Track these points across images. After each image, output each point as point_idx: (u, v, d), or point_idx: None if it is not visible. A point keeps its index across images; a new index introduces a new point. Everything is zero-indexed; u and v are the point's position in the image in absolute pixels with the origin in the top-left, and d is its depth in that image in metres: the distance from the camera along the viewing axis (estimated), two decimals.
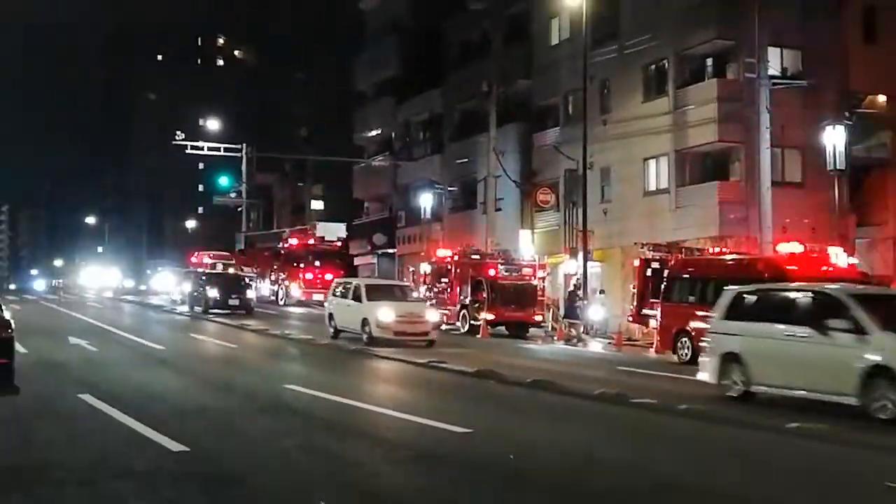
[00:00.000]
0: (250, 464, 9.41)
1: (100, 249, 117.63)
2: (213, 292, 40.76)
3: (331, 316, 28.21)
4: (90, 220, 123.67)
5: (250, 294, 43.55)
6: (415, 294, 30.72)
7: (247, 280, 45.41)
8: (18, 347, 16.20)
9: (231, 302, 40.23)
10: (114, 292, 71.02)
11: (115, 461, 9.22)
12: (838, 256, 24.24)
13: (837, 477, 9.93)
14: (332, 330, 27.67)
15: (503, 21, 46.48)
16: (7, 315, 15.70)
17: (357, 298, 26.48)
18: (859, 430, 12.25)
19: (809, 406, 13.99)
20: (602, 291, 33.71)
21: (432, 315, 27.30)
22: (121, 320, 36.92)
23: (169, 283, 57.19)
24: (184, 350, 24.98)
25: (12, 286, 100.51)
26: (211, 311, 39.50)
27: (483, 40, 48.59)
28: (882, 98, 35.48)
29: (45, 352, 21.20)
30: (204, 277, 43.88)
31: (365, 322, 25.21)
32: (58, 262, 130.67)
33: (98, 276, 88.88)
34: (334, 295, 28.88)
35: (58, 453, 9.69)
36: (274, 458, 9.78)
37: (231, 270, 48.40)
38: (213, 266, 52.26)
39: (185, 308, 43.92)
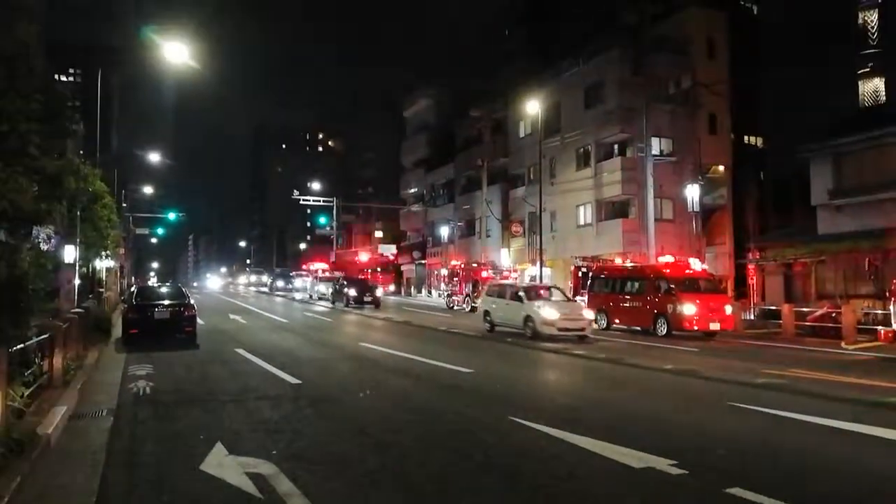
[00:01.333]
0: (339, 390, 9.48)
1: (248, 261, 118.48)
2: (352, 292, 34.07)
3: (486, 313, 20.83)
4: (242, 243, 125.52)
5: (378, 293, 36.32)
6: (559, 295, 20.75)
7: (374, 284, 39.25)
8: (199, 321, 16.35)
9: (366, 299, 33.47)
10: (255, 288, 71.16)
11: (256, 389, 9.33)
12: (695, 264, 24.10)
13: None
14: (488, 325, 20.46)
15: (491, 122, 46.55)
16: (192, 301, 15.92)
17: (518, 299, 19.23)
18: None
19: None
20: (557, 287, 33.58)
21: (588, 313, 19.42)
22: (264, 305, 36.91)
23: (301, 285, 53.57)
24: (302, 322, 24.36)
25: (195, 284, 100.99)
26: (349, 305, 33.23)
27: (479, 134, 48.66)
28: (721, 167, 35.36)
29: (215, 323, 21.35)
30: (345, 281, 36.59)
31: (528, 319, 18.20)
32: (223, 269, 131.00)
33: (246, 278, 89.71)
34: (489, 295, 21.60)
35: (222, 384, 9.83)
36: (352, 387, 9.85)
37: (361, 277, 43.10)
38: (318, 271, 52.12)
39: (327, 303, 36.95)
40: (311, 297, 42.72)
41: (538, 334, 17.62)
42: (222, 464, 5.54)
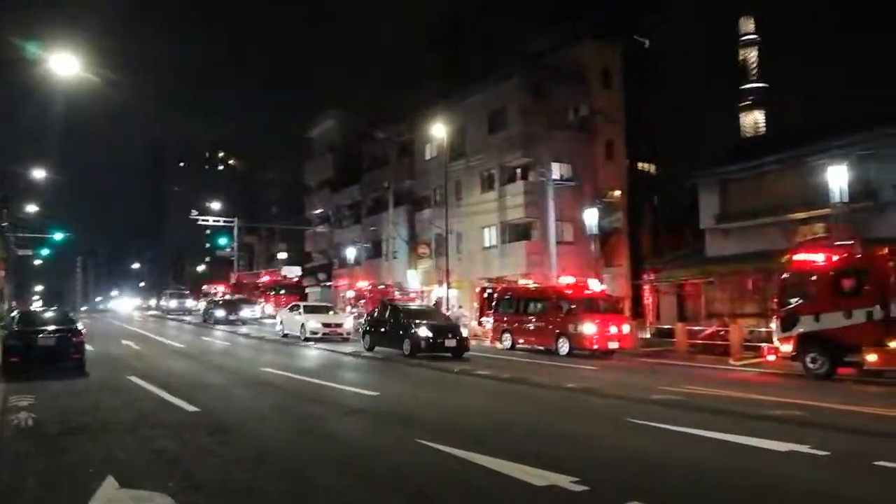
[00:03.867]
0: (240, 417, 9.18)
1: (141, 284, 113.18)
2: (220, 311, 37.19)
3: (292, 325, 25.96)
4: (136, 265, 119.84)
5: (248, 313, 39.52)
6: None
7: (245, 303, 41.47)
8: (88, 346, 15.47)
9: (231, 318, 36.19)
10: (142, 310, 69.32)
11: (151, 418, 8.88)
12: (594, 285, 24.90)
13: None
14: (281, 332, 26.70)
15: (397, 145, 46.66)
16: (80, 326, 15.05)
17: (299, 313, 25.85)
18: None
19: None
20: (460, 307, 33.82)
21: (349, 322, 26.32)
22: (152, 328, 35.22)
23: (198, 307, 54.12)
24: (199, 346, 23.56)
25: (83, 308, 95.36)
26: (219, 322, 35.61)
27: (385, 155, 48.64)
28: (617, 192, 36.82)
29: (105, 349, 20.23)
30: (217, 300, 41.36)
31: (302, 326, 24.62)
32: (114, 293, 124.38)
33: (134, 301, 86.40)
34: (290, 310, 27.28)
35: (113, 413, 9.29)
36: (252, 413, 9.56)
37: (236, 296, 44.64)
38: (220, 293, 51.60)
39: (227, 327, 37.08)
40: (205, 320, 39.77)
41: (308, 338, 23.69)
42: (113, 499, 5.24)
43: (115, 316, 55.61)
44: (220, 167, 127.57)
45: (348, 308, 38.54)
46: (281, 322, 27.26)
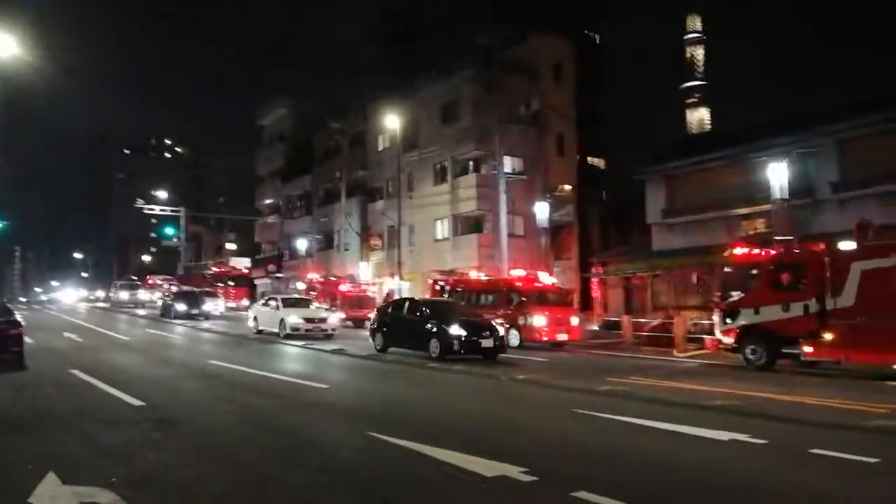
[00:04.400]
0: (185, 410, 9.02)
1: (84, 275, 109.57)
2: (181, 305, 32.53)
3: (255, 319, 24.33)
4: (78, 255, 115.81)
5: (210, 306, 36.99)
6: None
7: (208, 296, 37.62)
8: (27, 339, 14.97)
9: (194, 312, 32.15)
10: (89, 301, 65.80)
11: (94, 413, 8.64)
12: (545, 278, 25.18)
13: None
14: (254, 329, 24.06)
15: (349, 135, 46.28)
16: (19, 317, 14.55)
17: (276, 307, 23.35)
18: None
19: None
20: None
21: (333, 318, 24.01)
22: (98, 321, 34.17)
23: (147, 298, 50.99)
24: (144, 339, 22.83)
25: (23, 299, 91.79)
26: (179, 316, 31.64)
27: (337, 146, 48.16)
28: (567, 187, 37.26)
29: (46, 342, 19.58)
30: (178, 293, 36.67)
31: (282, 322, 22.10)
32: (55, 283, 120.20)
33: (80, 293, 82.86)
34: (264, 304, 25.13)
35: (54, 408, 9.02)
36: (199, 406, 9.41)
37: (199, 289, 39.78)
38: (166, 283, 50.42)
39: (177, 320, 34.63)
40: (163, 314, 35.44)
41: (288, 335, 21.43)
42: (55, 495, 5.09)
43: (59, 308, 53.28)
44: (168, 155, 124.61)
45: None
46: (255, 317, 24.67)
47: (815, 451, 6.91)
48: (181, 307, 32.27)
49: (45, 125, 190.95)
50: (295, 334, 21.49)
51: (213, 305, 35.25)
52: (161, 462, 6.15)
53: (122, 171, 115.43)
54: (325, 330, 22.34)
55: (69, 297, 77.06)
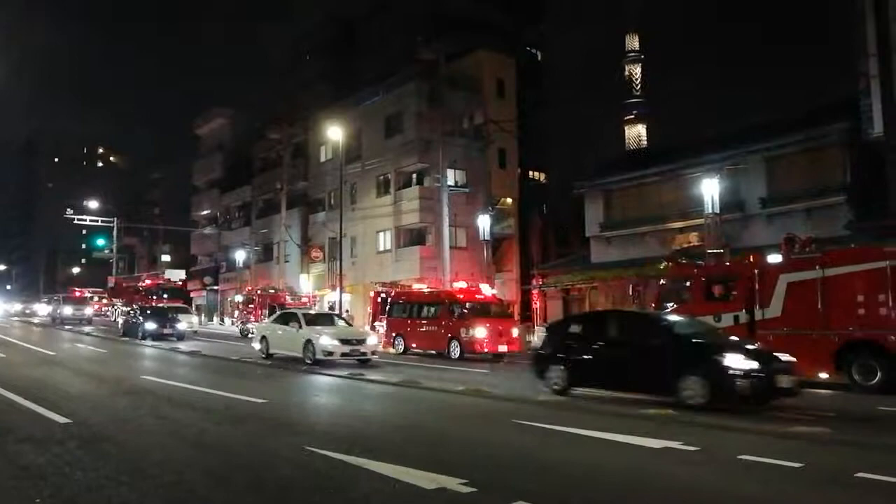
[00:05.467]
0: (115, 428, 8.69)
1: (8, 287, 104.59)
2: (150, 323, 27.51)
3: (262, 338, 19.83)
4: (1, 266, 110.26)
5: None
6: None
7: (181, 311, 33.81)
8: None
9: (166, 332, 27.52)
10: (32, 317, 57.68)
11: (18, 431, 8.23)
12: (486, 290, 25.35)
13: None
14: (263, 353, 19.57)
15: (291, 146, 45.83)
16: None
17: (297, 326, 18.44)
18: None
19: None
20: (347, 311, 33.13)
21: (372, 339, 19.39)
22: (28, 336, 32.63)
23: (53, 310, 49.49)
24: (74, 354, 21.91)
25: None
26: (144, 338, 26.95)
27: (277, 156, 47.54)
28: (509, 200, 37.74)
29: None
30: (146, 308, 30.85)
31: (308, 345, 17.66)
32: None
33: (10, 307, 77.99)
34: (275, 321, 20.32)
35: None
36: (131, 423, 9.08)
37: (171, 304, 36.07)
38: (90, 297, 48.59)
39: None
40: (125, 333, 29.71)
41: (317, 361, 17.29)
42: None
43: None
44: (100, 164, 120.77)
45: (236, 313, 37.20)
46: (262, 338, 19.72)
47: (745, 457, 7.12)
48: (150, 326, 27.51)
49: None
50: (327, 359, 17.24)
51: (188, 324, 30.45)
52: (89, 482, 5.87)
53: (53, 180, 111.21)
54: (364, 354, 17.71)
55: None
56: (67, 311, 43.28)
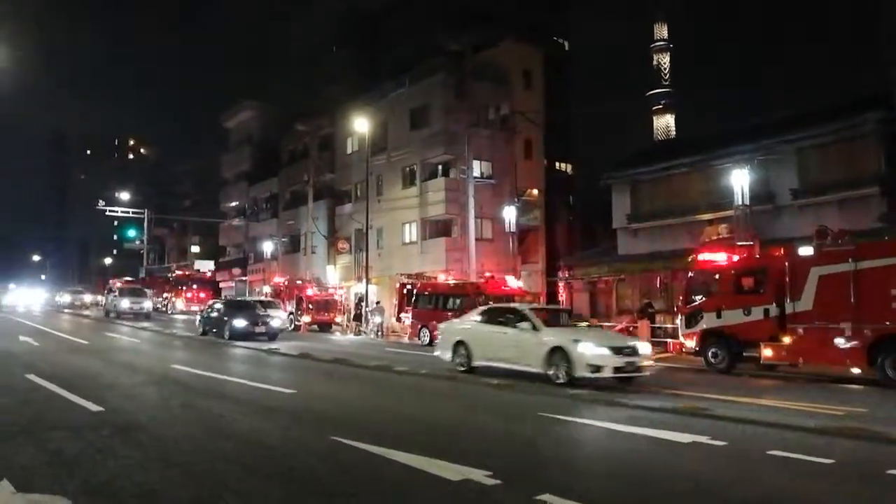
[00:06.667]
0: (148, 416, 8.85)
1: (43, 277, 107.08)
2: (239, 320, 22.88)
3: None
4: (36, 257, 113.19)
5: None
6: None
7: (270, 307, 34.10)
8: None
9: (258, 330, 23.12)
10: (48, 306, 57.50)
11: (51, 418, 8.43)
12: (512, 281, 25.32)
13: (510, 408, 10.36)
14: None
15: (317, 138, 46.06)
16: None
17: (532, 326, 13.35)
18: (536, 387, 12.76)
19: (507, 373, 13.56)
20: (378, 302, 33.35)
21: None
22: (56, 324, 33.31)
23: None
24: (105, 343, 22.16)
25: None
26: (232, 338, 22.43)
27: (305, 148, 47.94)
28: (535, 191, 37.54)
29: (1, 347, 19.08)
30: (232, 303, 27.00)
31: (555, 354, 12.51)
32: (12, 286, 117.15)
33: (39, 296, 79.08)
34: (486, 322, 14.56)
35: (9, 414, 8.75)
36: (163, 412, 9.24)
37: (264, 298, 33.03)
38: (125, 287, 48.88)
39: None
40: (205, 332, 25.10)
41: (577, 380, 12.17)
42: (9, 503, 4.96)
43: (26, 314, 44.55)
44: (131, 156, 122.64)
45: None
46: (459, 342, 14.72)
47: (774, 452, 7.03)
48: (239, 323, 23.05)
49: (7, 127, 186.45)
50: (587, 379, 12.12)
51: (280, 321, 25.28)
52: (119, 470, 5.99)
53: (85, 172, 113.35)
54: (639, 368, 12.58)
55: (30, 299, 66.74)
56: (124, 304, 37.90)
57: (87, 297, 55.80)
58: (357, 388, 12.85)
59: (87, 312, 43.18)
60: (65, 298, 53.93)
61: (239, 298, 30.23)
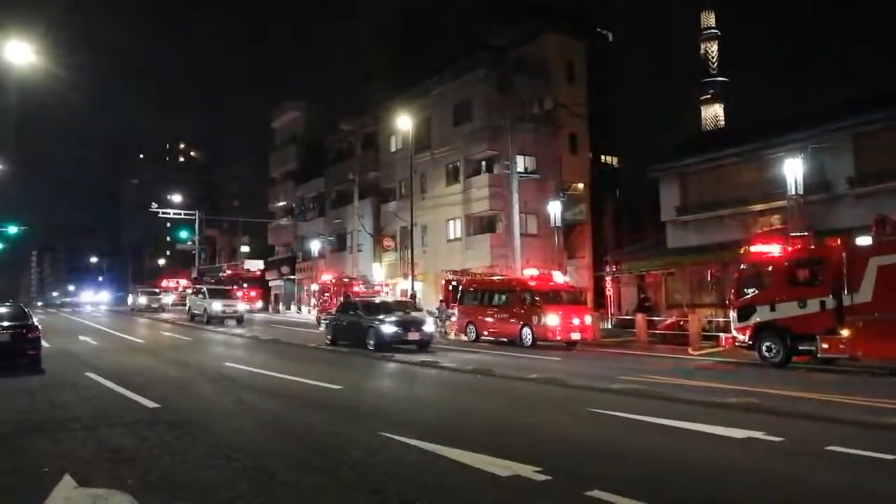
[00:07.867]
0: (202, 412, 9.06)
1: (100, 279, 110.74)
2: (388, 326, 18.30)
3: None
4: (93, 259, 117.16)
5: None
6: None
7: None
8: (44, 343, 15.13)
9: (411, 337, 18.46)
10: (156, 311, 49.50)
11: (110, 415, 8.70)
12: (558, 277, 25.11)
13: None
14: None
15: (362, 137, 46.50)
16: (35, 321, 14.72)
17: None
18: None
19: None
20: (421, 299, 33.04)
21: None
22: (120, 325, 34.34)
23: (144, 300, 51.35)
24: (160, 342, 22.85)
25: (39, 303, 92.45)
26: (382, 347, 18.32)
27: (349, 147, 48.44)
28: (580, 185, 37.18)
29: (62, 346, 19.78)
30: (376, 303, 21.18)
31: None
32: (71, 287, 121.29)
33: (96, 296, 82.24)
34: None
35: (70, 411, 9.07)
36: (216, 408, 9.44)
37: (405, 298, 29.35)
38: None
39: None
40: (333, 341, 20.61)
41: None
42: (70, 497, 5.13)
43: (91, 314, 45.56)
44: (181, 159, 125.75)
45: (312, 301, 37.58)
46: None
47: (833, 448, 6.82)
48: (389, 330, 18.55)
49: (64, 131, 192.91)
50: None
51: (429, 325, 20.50)
52: (176, 464, 6.16)
53: (137, 175, 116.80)
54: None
55: (95, 299, 66.78)
56: (216, 306, 32.63)
57: (167, 299, 52.50)
58: (400, 384, 12.87)
59: (165, 316, 39.49)
60: (140, 300, 50.62)
61: (377, 300, 24.29)
